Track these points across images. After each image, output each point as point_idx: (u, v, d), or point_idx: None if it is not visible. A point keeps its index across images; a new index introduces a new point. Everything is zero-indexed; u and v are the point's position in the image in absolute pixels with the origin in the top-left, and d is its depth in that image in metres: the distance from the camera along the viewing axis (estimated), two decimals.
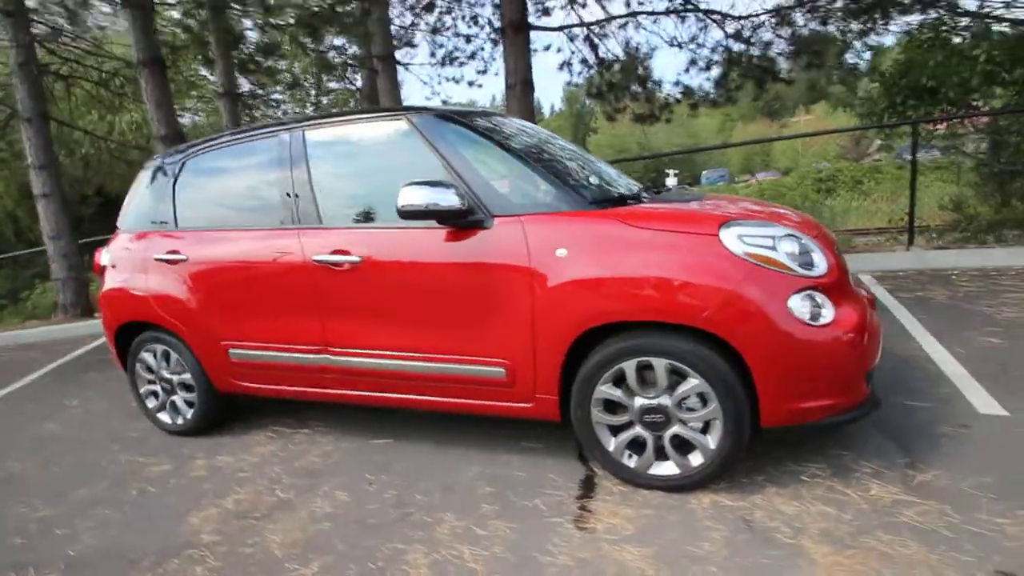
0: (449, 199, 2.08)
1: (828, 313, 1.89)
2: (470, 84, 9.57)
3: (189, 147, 3.01)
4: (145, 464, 2.82)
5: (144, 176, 3.15)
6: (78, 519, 2.39)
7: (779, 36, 6.90)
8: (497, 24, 8.24)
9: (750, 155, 38.20)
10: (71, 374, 4.89)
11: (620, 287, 1.96)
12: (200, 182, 2.94)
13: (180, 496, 2.48)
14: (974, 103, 5.14)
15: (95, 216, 12.20)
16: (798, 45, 6.87)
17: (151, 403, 3.16)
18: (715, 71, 7.58)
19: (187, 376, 2.96)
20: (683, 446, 2.05)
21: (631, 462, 2.11)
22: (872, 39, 6.68)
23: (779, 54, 7.05)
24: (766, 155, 37.90)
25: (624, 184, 2.74)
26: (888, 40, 7.45)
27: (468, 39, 8.52)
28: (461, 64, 9.14)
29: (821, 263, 1.95)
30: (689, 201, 2.35)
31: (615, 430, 2.13)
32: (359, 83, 11.79)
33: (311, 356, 2.58)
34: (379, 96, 8.31)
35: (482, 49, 8.75)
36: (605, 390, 2.07)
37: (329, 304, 2.48)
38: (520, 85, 6.55)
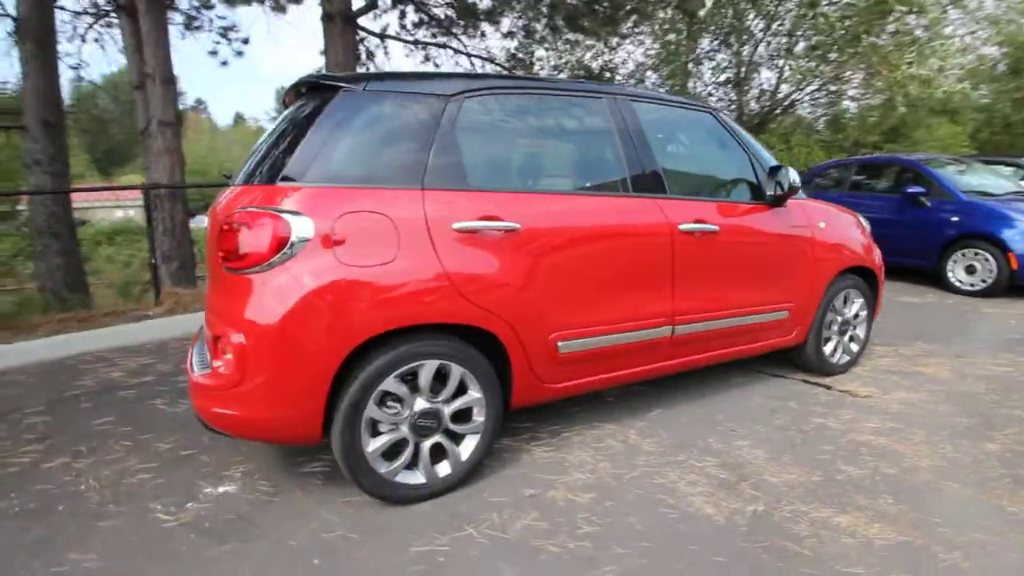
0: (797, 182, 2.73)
1: None
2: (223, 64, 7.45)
3: (459, 82, 2.09)
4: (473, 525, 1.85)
5: (367, 105, 1.91)
6: None
7: None
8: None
9: None
10: None
11: (854, 247, 3.17)
12: (498, 130, 2.13)
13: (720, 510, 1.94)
14: None
15: None
16: None
17: (382, 468, 1.93)
18: None
19: (473, 397, 2.05)
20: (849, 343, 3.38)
21: (837, 361, 3.29)
22: None
23: None
24: None
25: None
26: None
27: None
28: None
29: None
30: None
31: (826, 341, 3.25)
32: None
33: (655, 330, 2.45)
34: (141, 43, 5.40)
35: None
36: (832, 313, 3.18)
37: (682, 273, 2.49)
38: None
